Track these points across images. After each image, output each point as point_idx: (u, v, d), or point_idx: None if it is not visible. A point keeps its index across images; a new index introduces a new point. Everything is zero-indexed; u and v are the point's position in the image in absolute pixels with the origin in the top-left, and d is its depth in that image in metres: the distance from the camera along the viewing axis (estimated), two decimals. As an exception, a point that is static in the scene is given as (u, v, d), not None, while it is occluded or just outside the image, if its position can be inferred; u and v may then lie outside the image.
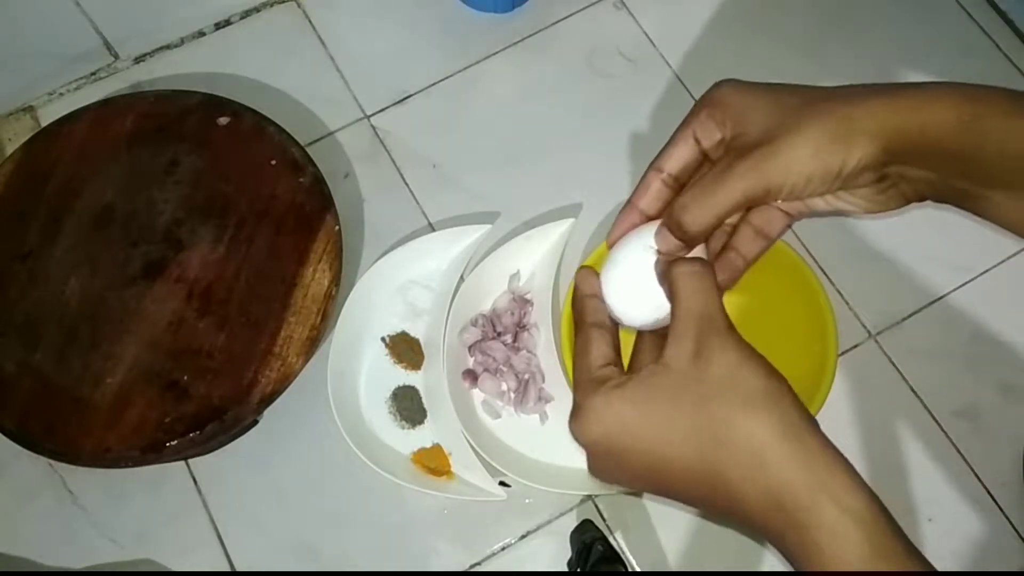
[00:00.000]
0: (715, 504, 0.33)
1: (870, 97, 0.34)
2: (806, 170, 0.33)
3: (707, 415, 0.32)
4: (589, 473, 0.36)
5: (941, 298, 0.69)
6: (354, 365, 0.65)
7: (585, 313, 0.38)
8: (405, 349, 0.66)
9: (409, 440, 0.64)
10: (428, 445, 0.64)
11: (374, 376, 0.65)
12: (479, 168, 0.72)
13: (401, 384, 0.65)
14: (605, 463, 0.35)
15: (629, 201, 0.40)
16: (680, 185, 0.39)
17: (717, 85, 0.37)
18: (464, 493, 0.61)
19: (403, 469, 0.62)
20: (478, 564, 0.62)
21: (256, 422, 0.63)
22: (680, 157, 0.38)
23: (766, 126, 0.34)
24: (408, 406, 0.64)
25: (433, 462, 0.63)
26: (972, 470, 0.64)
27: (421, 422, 0.64)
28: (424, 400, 0.65)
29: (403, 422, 0.64)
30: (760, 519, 0.32)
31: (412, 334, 0.66)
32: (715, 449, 0.32)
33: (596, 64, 0.76)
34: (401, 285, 0.67)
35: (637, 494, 0.63)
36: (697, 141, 0.38)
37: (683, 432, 0.32)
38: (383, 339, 0.66)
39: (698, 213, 0.35)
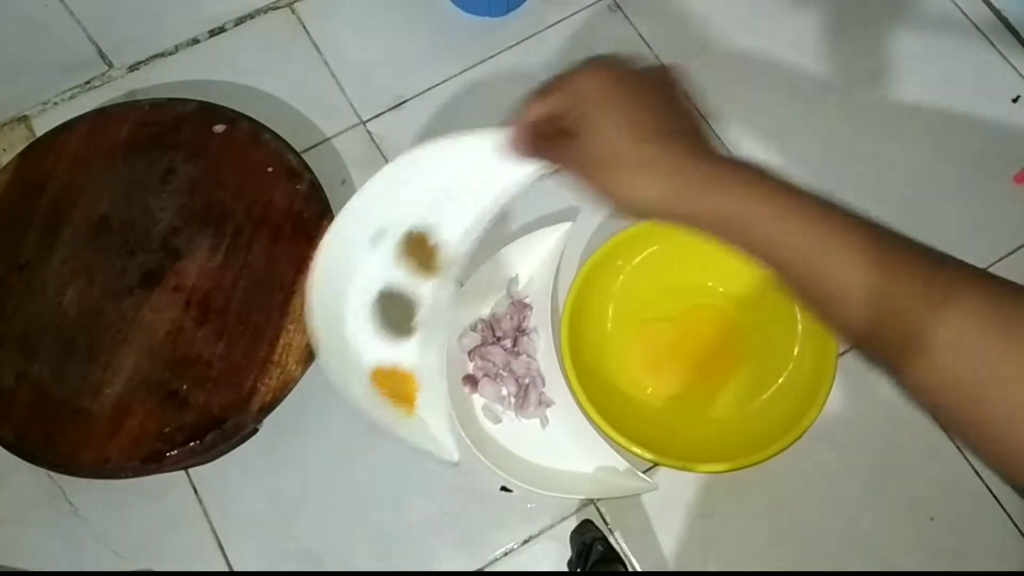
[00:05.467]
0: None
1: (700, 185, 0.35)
2: (625, 206, 0.36)
3: None
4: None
5: (940, 297, 0.69)
6: (354, 256, 0.52)
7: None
8: (419, 250, 0.53)
9: (380, 353, 0.51)
10: (402, 368, 0.51)
11: (372, 272, 0.52)
12: (476, 172, 0.72)
13: (399, 284, 0.52)
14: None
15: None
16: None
17: (588, 75, 0.39)
18: (415, 440, 0.49)
19: (356, 381, 0.50)
20: (481, 570, 0.62)
21: (256, 430, 0.63)
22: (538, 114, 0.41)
23: (610, 153, 0.37)
24: (396, 311, 0.52)
25: (397, 386, 0.51)
26: (973, 469, 0.64)
27: (405, 336, 0.51)
28: (418, 314, 0.52)
29: (385, 328, 0.51)
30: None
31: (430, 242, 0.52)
32: None
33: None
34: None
35: (641, 493, 0.63)
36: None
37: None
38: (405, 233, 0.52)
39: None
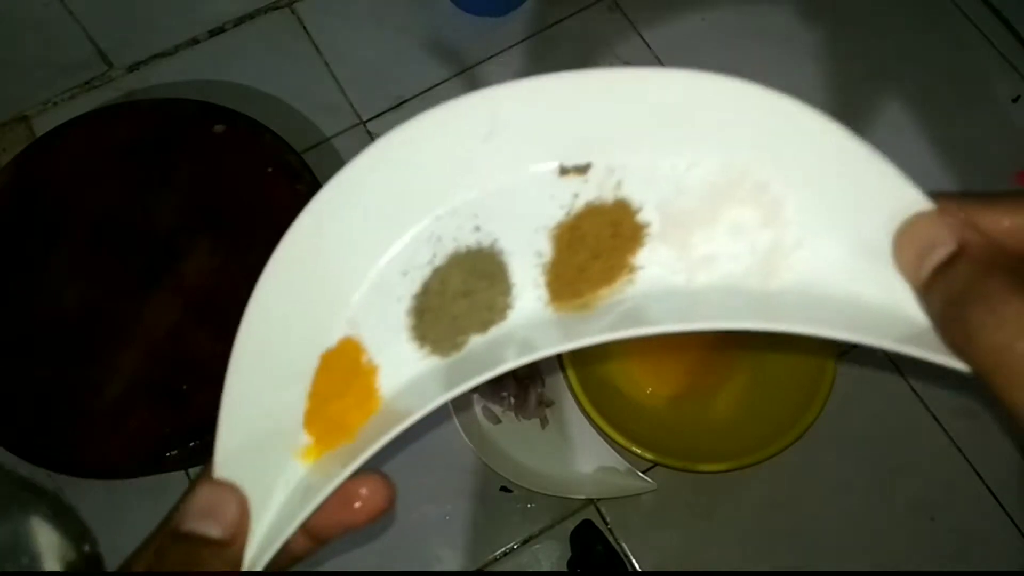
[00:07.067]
0: None
1: None
2: None
3: None
4: None
5: (939, 297, 0.69)
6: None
7: None
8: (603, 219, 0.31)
9: (382, 340, 0.30)
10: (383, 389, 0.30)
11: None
12: (476, 172, 0.72)
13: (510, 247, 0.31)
14: None
15: None
16: None
17: None
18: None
19: (292, 362, 0.29)
20: (480, 570, 0.62)
21: (256, 431, 0.63)
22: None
23: None
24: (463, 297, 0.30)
25: (341, 395, 0.29)
26: (973, 468, 0.64)
27: (451, 350, 0.30)
28: (499, 322, 0.30)
29: (414, 327, 0.30)
30: None
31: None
32: None
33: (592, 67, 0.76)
34: None
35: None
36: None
37: None
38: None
39: None
